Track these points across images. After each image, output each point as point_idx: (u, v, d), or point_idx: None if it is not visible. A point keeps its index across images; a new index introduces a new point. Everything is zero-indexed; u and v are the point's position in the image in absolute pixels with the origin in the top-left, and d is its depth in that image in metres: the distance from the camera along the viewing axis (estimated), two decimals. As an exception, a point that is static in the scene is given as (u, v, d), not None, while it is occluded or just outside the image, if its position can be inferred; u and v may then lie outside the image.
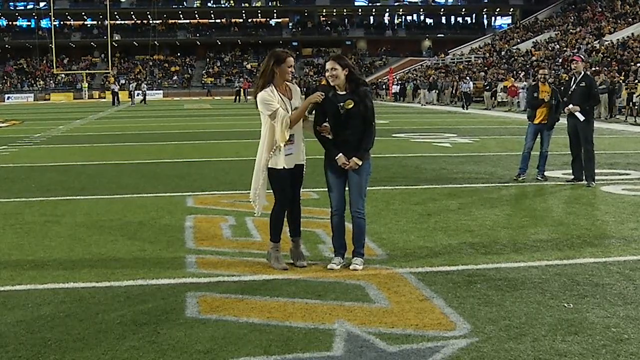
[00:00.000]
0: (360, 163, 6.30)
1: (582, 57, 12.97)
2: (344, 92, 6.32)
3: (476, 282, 5.94)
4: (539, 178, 11.87)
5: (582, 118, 11.44)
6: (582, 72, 11.76)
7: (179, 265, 6.59)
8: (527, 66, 51.64)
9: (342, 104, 6.25)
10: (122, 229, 8.27)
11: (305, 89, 47.00)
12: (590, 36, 53.75)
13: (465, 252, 7.03)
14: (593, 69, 37.60)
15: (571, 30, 60.40)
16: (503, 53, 64.29)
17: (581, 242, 7.45)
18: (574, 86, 11.68)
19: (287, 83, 6.40)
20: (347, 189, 6.47)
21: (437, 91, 51.04)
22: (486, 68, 57.78)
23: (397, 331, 4.79)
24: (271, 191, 6.44)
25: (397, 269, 6.36)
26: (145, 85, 65.39)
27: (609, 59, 41.40)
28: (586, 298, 5.49)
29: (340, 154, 6.28)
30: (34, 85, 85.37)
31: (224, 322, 4.99)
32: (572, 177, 11.73)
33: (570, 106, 11.52)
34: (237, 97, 59.05)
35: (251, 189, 6.50)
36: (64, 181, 12.49)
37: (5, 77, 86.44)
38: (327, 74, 6.35)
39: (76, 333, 4.79)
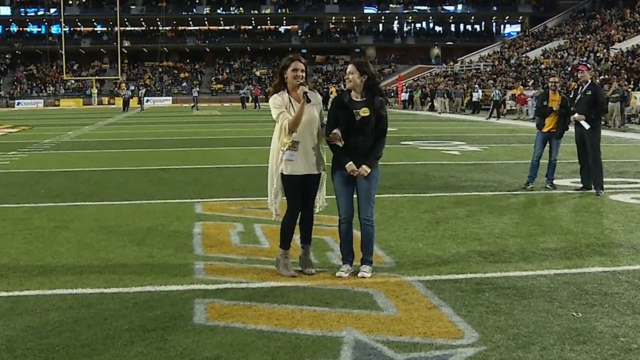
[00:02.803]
0: (369, 170, 6.30)
1: (588, 65, 12.89)
2: (361, 99, 6.32)
3: (484, 290, 5.93)
4: (548, 186, 11.84)
5: (587, 127, 11.43)
6: (589, 81, 11.77)
7: (187, 271, 6.59)
8: (536, 74, 51.59)
9: (357, 110, 6.26)
10: (131, 235, 8.28)
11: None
12: (600, 44, 53.68)
13: (474, 260, 7.02)
14: (602, 77, 37.55)
15: (580, 39, 60.34)
16: (512, 61, 64.24)
17: (590, 251, 7.43)
18: (580, 95, 11.69)
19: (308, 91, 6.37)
20: (355, 196, 6.47)
21: (450, 99, 50.44)
22: (495, 76, 57.74)
23: (405, 339, 4.78)
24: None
25: (406, 277, 6.35)
26: (196, 92, 64.43)
27: (618, 68, 41.33)
28: (595, 307, 5.48)
29: (350, 162, 6.28)
30: (44, 91, 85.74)
31: (232, 329, 4.99)
32: (581, 185, 11.70)
33: (576, 115, 11.53)
34: (244, 104, 58.86)
35: (268, 194, 6.54)
36: (73, 187, 12.52)
37: (15, 83, 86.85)
38: (346, 77, 6.43)
39: (84, 339, 4.80)
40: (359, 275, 6.31)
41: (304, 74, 6.32)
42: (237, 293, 5.88)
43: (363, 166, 6.28)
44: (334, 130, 6.29)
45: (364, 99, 6.34)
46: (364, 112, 6.26)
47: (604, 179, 11.49)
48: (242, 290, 5.96)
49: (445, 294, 5.83)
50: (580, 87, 11.84)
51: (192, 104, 59.58)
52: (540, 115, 12.21)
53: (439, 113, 46.92)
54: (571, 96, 12.29)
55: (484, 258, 7.09)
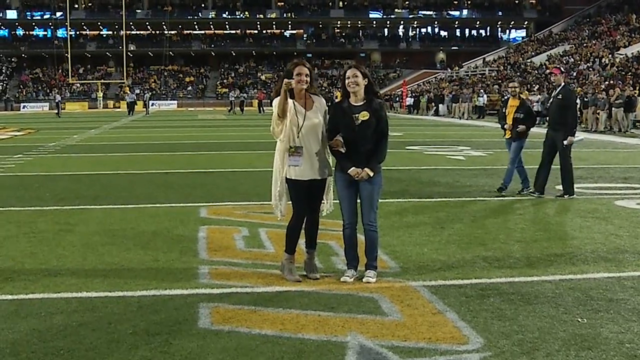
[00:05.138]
0: (372, 174, 6.28)
1: (562, 68, 12.61)
2: (360, 104, 6.32)
3: (489, 296, 5.92)
4: (524, 192, 11.71)
5: (581, 138, 11.37)
6: (562, 84, 11.61)
7: (192, 275, 6.60)
8: (542, 79, 51.53)
9: (357, 115, 6.26)
10: (136, 238, 8.29)
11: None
12: (605, 50, 53.64)
13: (479, 265, 7.01)
14: (607, 82, 37.51)
15: (585, 44, 60.31)
16: (517, 66, 64.21)
17: (595, 256, 7.41)
18: (552, 99, 11.60)
19: (313, 96, 6.39)
20: (358, 201, 6.46)
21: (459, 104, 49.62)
22: (500, 81, 57.71)
23: (410, 344, 4.78)
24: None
25: (410, 282, 6.35)
26: (233, 95, 62.95)
27: (623, 73, 41.29)
28: (600, 313, 5.46)
29: (353, 167, 6.28)
30: (50, 94, 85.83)
31: (237, 333, 4.99)
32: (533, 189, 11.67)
33: (570, 139, 11.30)
34: (242, 108, 58.05)
35: (272, 196, 6.56)
36: (78, 190, 12.54)
37: (21, 86, 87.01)
38: (347, 81, 6.34)
39: (88, 342, 4.80)
40: (363, 280, 6.30)
41: (307, 78, 6.32)
42: (242, 297, 5.88)
43: (365, 169, 6.27)
44: (337, 137, 6.29)
45: (363, 102, 6.34)
46: (364, 115, 6.26)
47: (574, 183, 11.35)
48: (246, 295, 5.96)
49: (450, 299, 5.82)
50: (554, 91, 11.72)
51: (229, 108, 58.85)
52: (499, 122, 12.16)
53: (466, 119, 45.28)
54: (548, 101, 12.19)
55: (489, 263, 7.08)
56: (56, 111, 57.25)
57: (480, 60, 76.70)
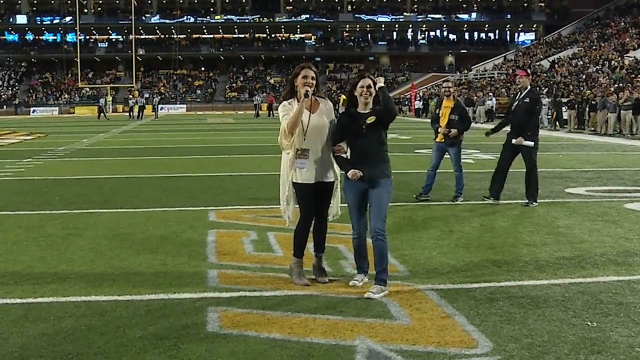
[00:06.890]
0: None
1: (528, 70, 11.99)
2: (367, 111, 6.30)
3: (498, 299, 5.90)
4: (454, 202, 11.43)
5: (530, 144, 11.08)
6: (528, 87, 11.24)
7: (201, 279, 6.60)
8: (551, 82, 51.42)
9: (365, 119, 6.26)
10: (144, 242, 8.30)
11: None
12: (614, 52, 53.49)
13: (488, 269, 6.99)
14: (616, 85, 37.41)
15: (594, 47, 60.17)
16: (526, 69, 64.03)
17: (604, 260, 7.38)
18: (517, 102, 11.20)
19: (319, 98, 6.41)
20: (367, 205, 6.43)
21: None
22: (509, 84, 57.59)
23: (419, 348, 4.77)
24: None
25: (419, 286, 6.33)
26: (258, 99, 61.32)
27: (632, 75, 41.16)
28: (609, 317, 5.44)
29: (352, 169, 6.23)
30: (59, 98, 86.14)
31: (245, 337, 4.99)
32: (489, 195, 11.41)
33: (520, 139, 11.10)
34: (258, 112, 58.21)
35: (280, 202, 6.56)
36: (87, 194, 12.56)
37: (31, 91, 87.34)
38: (361, 90, 6.29)
39: (97, 347, 4.81)
40: (365, 295, 6.01)
41: (314, 82, 6.32)
42: (251, 301, 5.88)
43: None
44: (340, 143, 6.29)
45: (370, 110, 6.33)
46: (371, 119, 6.27)
47: (538, 190, 11.20)
48: (255, 299, 5.96)
49: (459, 303, 5.81)
50: (519, 94, 11.28)
51: (255, 111, 58.50)
52: (433, 125, 11.81)
53: (481, 123, 43.31)
54: (509, 104, 11.81)
55: (497, 267, 7.06)
56: (98, 115, 60.21)
57: (489, 63, 76.61)
